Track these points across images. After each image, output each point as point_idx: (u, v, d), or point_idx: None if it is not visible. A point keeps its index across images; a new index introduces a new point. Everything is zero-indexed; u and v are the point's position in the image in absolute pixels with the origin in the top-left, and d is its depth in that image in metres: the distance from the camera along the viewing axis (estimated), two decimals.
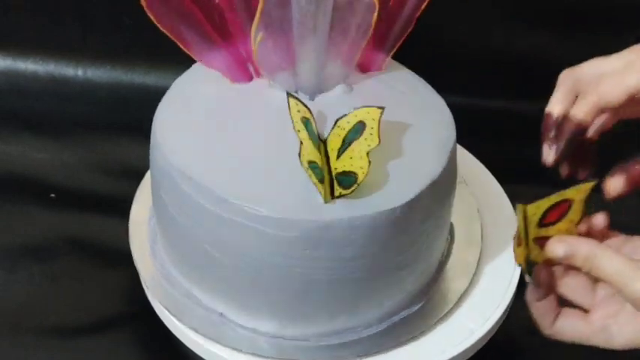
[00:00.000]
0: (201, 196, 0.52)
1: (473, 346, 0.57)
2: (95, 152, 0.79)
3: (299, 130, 0.51)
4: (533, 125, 0.73)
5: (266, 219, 0.50)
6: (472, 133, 0.66)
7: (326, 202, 0.50)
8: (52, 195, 0.73)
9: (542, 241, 0.49)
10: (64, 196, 0.73)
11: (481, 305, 0.59)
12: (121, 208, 0.65)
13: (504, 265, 0.62)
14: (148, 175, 0.65)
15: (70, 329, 0.62)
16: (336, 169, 0.52)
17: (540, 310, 0.48)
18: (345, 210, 0.50)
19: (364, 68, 0.61)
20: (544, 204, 0.48)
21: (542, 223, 0.48)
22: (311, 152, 0.51)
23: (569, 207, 0.49)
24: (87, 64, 0.86)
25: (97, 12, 0.84)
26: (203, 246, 0.54)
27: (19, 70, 0.86)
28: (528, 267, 0.48)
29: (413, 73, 0.63)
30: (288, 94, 0.53)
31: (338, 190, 0.51)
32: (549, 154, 0.58)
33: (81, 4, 0.84)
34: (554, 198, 0.48)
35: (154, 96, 0.60)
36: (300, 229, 0.50)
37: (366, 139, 0.52)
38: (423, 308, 0.58)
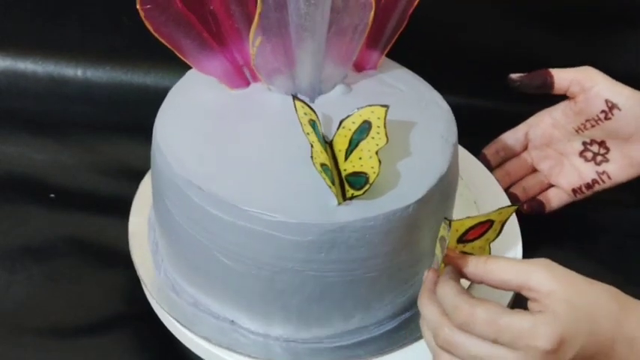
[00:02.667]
0: (212, 205, 0.51)
1: None
2: (95, 152, 0.79)
3: (308, 133, 0.50)
4: None
5: (281, 224, 0.50)
6: (472, 133, 0.66)
7: (339, 204, 0.50)
8: (52, 195, 0.73)
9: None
10: (63, 197, 0.73)
11: None
12: (121, 208, 0.65)
13: None
14: (148, 175, 0.65)
15: (70, 329, 0.61)
16: (345, 170, 0.51)
17: None
18: (358, 211, 0.50)
19: (359, 67, 0.61)
20: (468, 222, 0.48)
21: (462, 239, 0.49)
22: (321, 154, 0.50)
23: (490, 227, 0.50)
24: (87, 64, 0.86)
25: (97, 12, 0.84)
26: (214, 254, 0.53)
27: (19, 70, 0.86)
28: None
29: (408, 70, 0.63)
30: (294, 97, 0.52)
31: (350, 192, 0.50)
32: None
33: (81, 4, 0.84)
34: (479, 218, 0.49)
35: (154, 96, 0.60)
36: (315, 233, 0.50)
37: (373, 138, 0.51)
38: None
